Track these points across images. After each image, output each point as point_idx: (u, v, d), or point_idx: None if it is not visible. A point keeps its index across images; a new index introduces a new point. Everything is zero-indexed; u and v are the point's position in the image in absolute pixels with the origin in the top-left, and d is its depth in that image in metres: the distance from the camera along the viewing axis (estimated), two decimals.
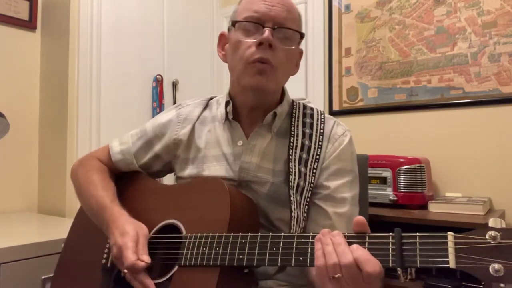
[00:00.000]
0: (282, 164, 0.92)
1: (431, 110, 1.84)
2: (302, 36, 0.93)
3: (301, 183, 0.89)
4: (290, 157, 0.90)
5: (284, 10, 0.89)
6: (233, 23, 0.91)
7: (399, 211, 1.55)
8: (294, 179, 0.88)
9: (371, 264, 0.60)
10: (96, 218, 0.94)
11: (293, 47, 0.91)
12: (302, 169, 0.90)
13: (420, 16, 1.88)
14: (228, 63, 0.95)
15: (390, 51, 1.95)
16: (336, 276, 0.61)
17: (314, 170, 0.90)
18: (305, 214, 0.88)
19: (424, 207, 1.59)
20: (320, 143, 0.93)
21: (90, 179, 0.99)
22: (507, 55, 1.67)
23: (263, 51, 0.86)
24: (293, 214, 0.85)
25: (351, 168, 0.94)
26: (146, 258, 0.80)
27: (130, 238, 0.82)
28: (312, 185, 0.90)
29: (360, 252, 0.61)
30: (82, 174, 1.02)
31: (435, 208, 1.54)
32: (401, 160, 1.64)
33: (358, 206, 0.93)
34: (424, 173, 1.63)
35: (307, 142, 0.93)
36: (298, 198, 0.88)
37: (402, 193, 1.61)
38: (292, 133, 0.93)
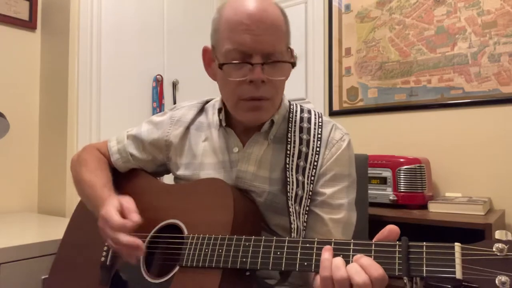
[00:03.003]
0: (279, 172, 0.89)
1: (431, 110, 1.84)
2: (293, 65, 0.85)
3: (299, 192, 0.87)
4: (287, 166, 0.88)
5: (271, 34, 0.81)
6: (220, 66, 0.82)
7: (399, 211, 1.55)
8: (292, 189, 0.86)
9: (375, 267, 0.60)
10: (89, 202, 0.95)
11: (284, 77, 0.85)
12: (300, 178, 0.88)
13: (420, 16, 1.88)
14: (218, 87, 0.91)
15: (390, 51, 1.95)
16: None
17: (312, 178, 0.88)
18: (305, 224, 0.87)
19: (424, 207, 1.59)
20: (318, 149, 0.90)
21: (86, 167, 1.00)
22: (507, 55, 1.67)
23: (255, 89, 0.81)
24: (292, 225, 0.84)
25: (348, 173, 0.92)
26: (135, 216, 0.80)
27: (111, 205, 0.82)
28: (310, 193, 0.88)
29: (363, 259, 0.61)
30: (80, 163, 1.03)
31: (435, 208, 1.53)
32: (401, 160, 1.64)
33: (355, 211, 0.92)
34: (424, 173, 1.63)
35: (304, 149, 0.90)
36: (297, 208, 0.86)
37: (402, 193, 1.61)
38: (289, 139, 0.91)
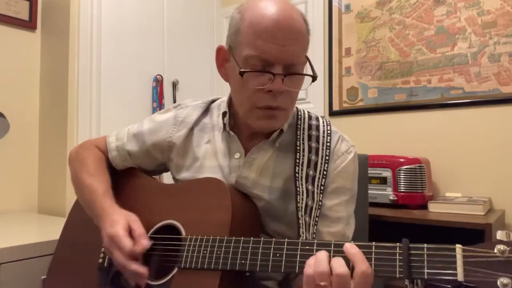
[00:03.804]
0: (280, 180, 0.88)
1: (431, 110, 1.84)
2: (314, 79, 0.82)
3: (309, 202, 0.84)
4: (297, 175, 0.85)
5: (296, 44, 0.78)
6: (241, 73, 0.79)
7: (399, 211, 1.55)
8: (302, 199, 0.83)
9: (361, 257, 0.61)
10: (89, 209, 0.93)
11: (299, 89, 0.83)
12: (310, 187, 0.85)
13: (420, 16, 1.88)
14: (231, 89, 0.89)
15: (390, 51, 1.95)
16: (322, 284, 0.60)
17: (322, 187, 0.86)
18: (314, 235, 0.84)
19: (424, 207, 1.59)
20: (327, 158, 0.88)
21: (86, 168, 0.98)
22: (507, 55, 1.67)
23: (273, 98, 0.79)
24: (301, 238, 0.82)
25: (351, 186, 0.90)
26: (145, 242, 0.79)
27: (120, 226, 0.81)
28: (320, 203, 0.86)
29: (354, 251, 0.62)
30: (79, 161, 1.01)
31: (435, 208, 1.53)
32: (401, 160, 1.64)
33: (352, 224, 0.91)
34: (424, 173, 1.63)
35: (313, 157, 0.88)
36: (307, 219, 0.83)
37: (402, 193, 1.61)
38: (298, 148, 0.88)
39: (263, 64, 0.78)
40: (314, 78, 0.82)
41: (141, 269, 0.77)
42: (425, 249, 0.59)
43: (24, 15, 1.89)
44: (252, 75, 0.79)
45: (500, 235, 0.57)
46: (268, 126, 0.85)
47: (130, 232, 0.81)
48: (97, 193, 0.91)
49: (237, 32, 0.82)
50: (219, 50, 0.88)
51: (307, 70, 0.85)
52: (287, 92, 0.80)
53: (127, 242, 0.78)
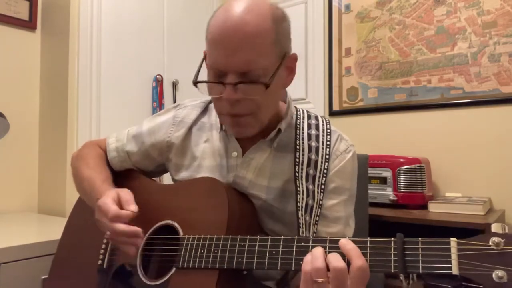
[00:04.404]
0: (278, 180, 0.88)
1: (431, 110, 1.84)
2: (267, 86, 0.75)
3: (310, 202, 0.84)
4: (297, 174, 0.85)
5: (247, 50, 0.73)
6: (194, 83, 0.81)
7: (399, 211, 1.55)
8: (302, 198, 0.83)
9: (357, 253, 0.61)
10: (89, 199, 0.93)
11: (258, 97, 0.77)
12: (310, 187, 0.85)
13: (420, 16, 1.88)
14: None
15: (390, 51, 1.95)
16: (319, 280, 0.60)
17: (322, 186, 0.86)
18: (314, 235, 0.84)
19: (424, 207, 1.59)
20: (327, 156, 0.88)
21: (86, 162, 0.99)
22: (507, 55, 1.67)
23: (231, 106, 0.78)
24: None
25: (350, 186, 0.89)
26: (133, 207, 0.79)
27: (108, 196, 0.82)
28: (321, 202, 0.85)
29: (350, 246, 0.61)
30: (80, 157, 1.02)
31: (435, 208, 1.53)
32: (401, 160, 1.64)
33: (351, 225, 0.90)
34: (424, 173, 1.63)
35: (313, 156, 0.87)
36: (307, 218, 0.83)
37: (402, 193, 1.61)
38: (298, 147, 0.88)
39: (217, 74, 0.77)
40: (266, 86, 0.76)
41: (129, 227, 0.77)
42: (420, 243, 0.59)
43: (24, 15, 1.89)
44: (209, 85, 0.80)
45: (495, 227, 0.56)
46: (239, 133, 0.85)
47: (120, 203, 0.82)
48: (96, 182, 0.92)
49: (206, 39, 0.81)
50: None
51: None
52: (245, 99, 0.77)
53: (112, 207, 0.79)
